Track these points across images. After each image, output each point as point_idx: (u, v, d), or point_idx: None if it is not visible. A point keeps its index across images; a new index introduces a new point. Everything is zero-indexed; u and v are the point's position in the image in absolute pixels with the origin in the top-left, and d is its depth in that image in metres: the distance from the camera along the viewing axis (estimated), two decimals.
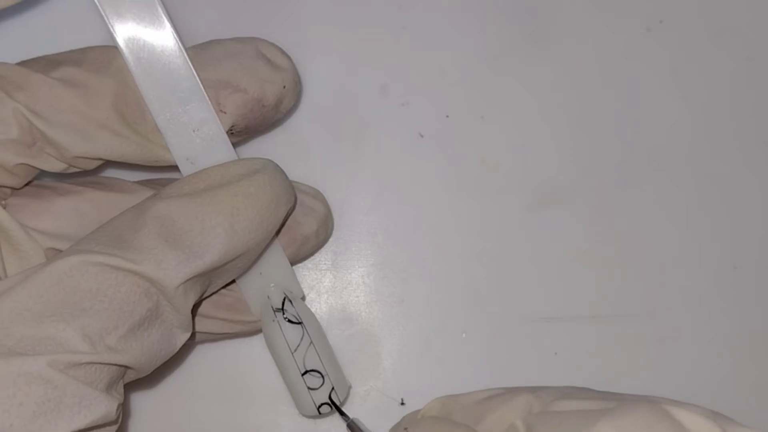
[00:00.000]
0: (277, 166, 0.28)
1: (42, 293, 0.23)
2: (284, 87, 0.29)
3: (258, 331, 0.31)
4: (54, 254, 0.26)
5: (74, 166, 0.28)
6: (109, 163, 0.29)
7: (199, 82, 0.28)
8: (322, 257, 0.33)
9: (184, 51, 0.27)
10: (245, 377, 0.33)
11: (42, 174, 0.29)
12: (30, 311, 0.23)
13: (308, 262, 0.33)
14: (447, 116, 0.34)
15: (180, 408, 0.33)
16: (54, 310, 0.23)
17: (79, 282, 0.23)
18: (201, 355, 0.33)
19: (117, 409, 0.24)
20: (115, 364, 0.24)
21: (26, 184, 0.29)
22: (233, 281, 0.29)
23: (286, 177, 0.28)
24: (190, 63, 0.28)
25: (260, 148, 0.33)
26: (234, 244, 0.26)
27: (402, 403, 0.33)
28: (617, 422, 0.20)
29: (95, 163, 0.28)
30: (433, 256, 0.33)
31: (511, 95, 0.34)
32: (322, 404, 0.30)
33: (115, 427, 0.24)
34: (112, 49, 0.28)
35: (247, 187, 0.26)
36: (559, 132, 0.34)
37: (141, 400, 0.32)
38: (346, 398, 0.31)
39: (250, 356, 0.33)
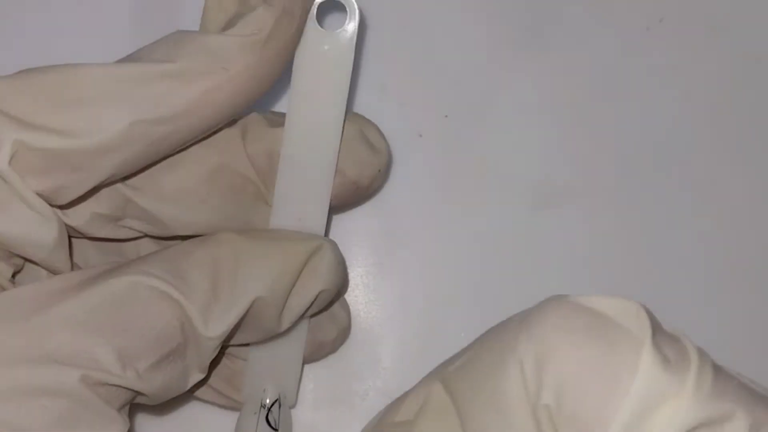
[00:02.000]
0: (341, 256, 0.28)
1: (92, 307, 0.23)
2: (379, 170, 0.29)
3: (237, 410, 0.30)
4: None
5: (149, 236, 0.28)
6: None
7: (332, 182, 0.28)
8: None
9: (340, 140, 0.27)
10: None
11: None
12: (77, 322, 0.23)
13: None
14: (446, 116, 0.34)
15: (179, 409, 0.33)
16: (98, 325, 0.23)
17: (127, 302, 0.23)
18: None
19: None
20: (135, 390, 0.24)
21: None
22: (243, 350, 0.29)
23: (345, 268, 0.28)
24: (336, 160, 0.27)
25: None
26: (268, 301, 0.26)
27: None
28: (534, 331, 0.19)
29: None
30: (432, 256, 0.33)
31: (511, 94, 0.34)
32: None
33: None
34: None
35: (303, 255, 0.26)
36: (558, 131, 0.34)
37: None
38: None
39: None
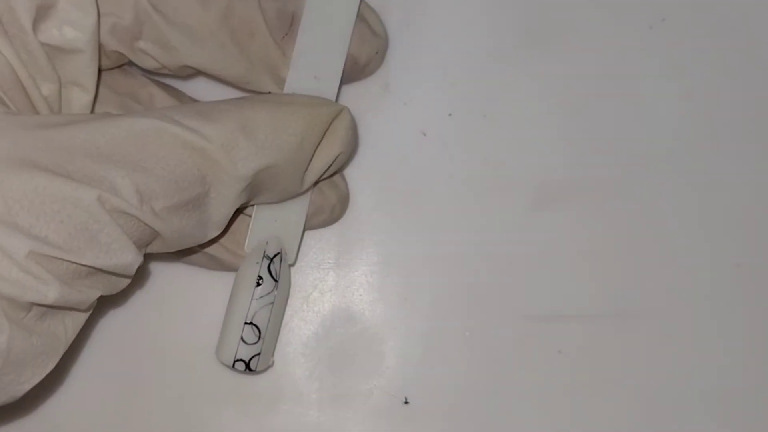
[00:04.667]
0: (355, 121, 0.30)
1: (114, 139, 0.24)
2: (377, 52, 0.31)
3: (232, 270, 0.31)
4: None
5: (166, 68, 0.29)
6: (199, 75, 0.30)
7: (349, 42, 0.30)
8: (325, 256, 0.33)
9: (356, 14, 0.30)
10: (253, 378, 0.33)
11: None
12: (98, 150, 0.24)
13: (311, 261, 0.33)
14: (450, 114, 0.34)
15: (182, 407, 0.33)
16: (119, 158, 0.24)
17: (150, 143, 0.25)
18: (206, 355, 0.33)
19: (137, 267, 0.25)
20: (152, 228, 0.25)
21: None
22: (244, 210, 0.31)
23: (357, 133, 0.31)
24: (353, 25, 0.30)
25: None
26: (297, 157, 0.27)
27: (405, 402, 0.33)
28: None
29: (187, 71, 0.30)
30: (436, 255, 0.33)
31: (514, 94, 0.34)
32: (240, 360, 0.30)
33: (126, 282, 0.26)
34: None
35: (327, 117, 0.28)
36: (561, 130, 0.34)
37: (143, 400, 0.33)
38: (261, 371, 0.31)
39: None
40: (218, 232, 0.27)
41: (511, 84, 0.34)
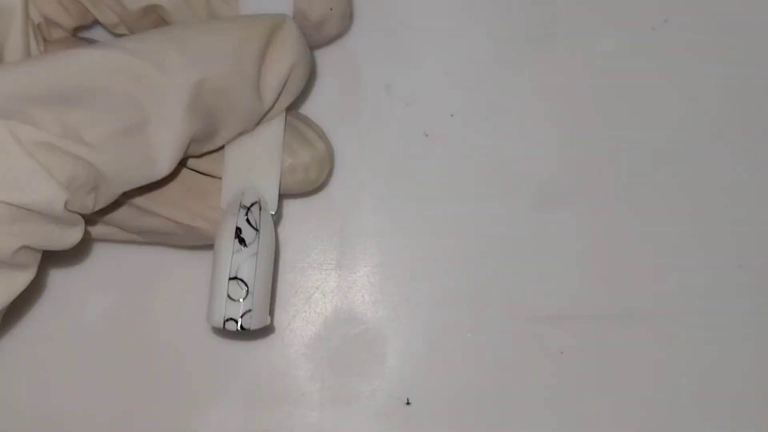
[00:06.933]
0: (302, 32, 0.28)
1: (37, 74, 0.23)
2: (331, 9, 0.29)
3: (210, 240, 0.29)
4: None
5: (124, 23, 0.28)
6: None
7: None
8: (327, 257, 0.33)
9: None
10: (255, 379, 0.33)
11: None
12: (20, 87, 0.23)
13: (313, 262, 0.33)
14: (452, 115, 0.34)
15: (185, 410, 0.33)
16: (41, 92, 0.23)
17: (73, 73, 0.23)
18: (210, 356, 0.33)
19: (65, 205, 0.23)
20: (86, 160, 0.23)
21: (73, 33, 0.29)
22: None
23: (308, 46, 0.28)
24: None
25: None
26: (238, 67, 0.25)
27: (407, 403, 0.33)
28: None
29: (146, 25, 0.28)
30: (438, 256, 0.33)
31: (516, 95, 0.34)
32: (230, 319, 0.27)
33: (69, 237, 0.24)
34: None
35: (266, 24, 0.26)
36: (563, 132, 0.34)
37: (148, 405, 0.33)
38: (257, 329, 0.28)
39: (258, 359, 0.33)
40: (169, 166, 0.25)
41: (513, 85, 0.34)
